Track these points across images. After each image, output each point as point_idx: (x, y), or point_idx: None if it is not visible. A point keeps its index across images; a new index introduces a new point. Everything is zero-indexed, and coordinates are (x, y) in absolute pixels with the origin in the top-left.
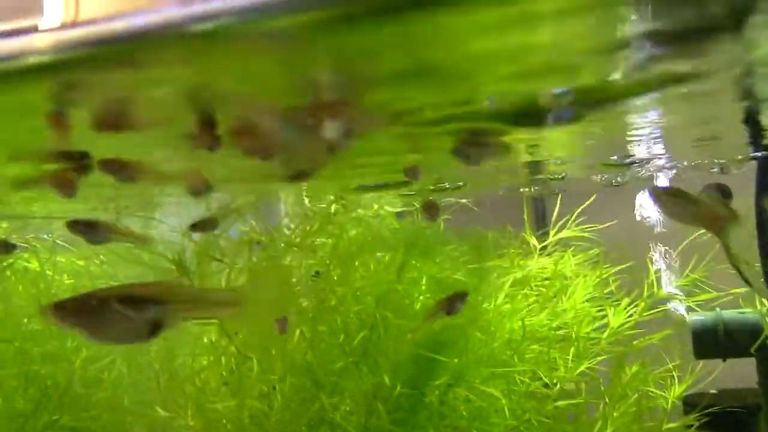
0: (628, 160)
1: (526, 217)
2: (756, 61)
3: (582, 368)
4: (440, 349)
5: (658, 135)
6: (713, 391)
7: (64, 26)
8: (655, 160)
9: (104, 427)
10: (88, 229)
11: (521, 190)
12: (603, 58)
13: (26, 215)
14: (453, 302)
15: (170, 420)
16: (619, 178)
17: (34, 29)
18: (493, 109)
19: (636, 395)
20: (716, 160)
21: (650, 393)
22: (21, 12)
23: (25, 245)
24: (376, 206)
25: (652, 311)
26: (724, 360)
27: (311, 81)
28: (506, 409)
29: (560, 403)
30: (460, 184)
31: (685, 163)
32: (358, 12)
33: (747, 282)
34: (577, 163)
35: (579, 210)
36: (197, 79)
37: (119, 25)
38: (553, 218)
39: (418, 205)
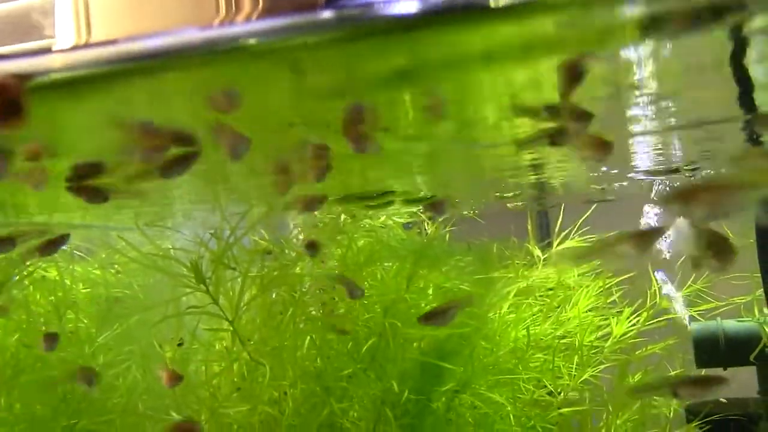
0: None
1: (530, 228)
2: None
3: (585, 376)
4: (446, 357)
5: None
6: (723, 400)
7: (76, 47)
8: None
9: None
10: None
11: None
12: None
13: (46, 223)
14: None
15: None
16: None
17: (47, 50)
18: None
19: (639, 403)
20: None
21: (653, 401)
22: (34, 34)
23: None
24: (383, 216)
25: (654, 320)
26: (725, 369)
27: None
28: (511, 416)
29: (564, 410)
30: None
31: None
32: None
33: None
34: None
35: (581, 221)
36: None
37: (131, 47)
38: (556, 229)
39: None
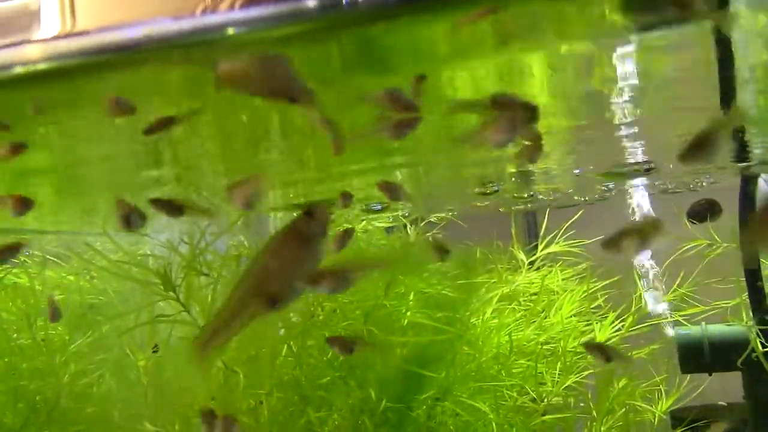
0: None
1: (513, 232)
2: None
3: (569, 383)
4: (427, 364)
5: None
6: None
7: (60, 36)
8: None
9: None
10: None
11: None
12: None
13: (17, 229)
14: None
15: None
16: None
17: (29, 40)
18: None
19: (623, 409)
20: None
21: (638, 407)
22: (19, 23)
23: (15, 260)
24: (364, 221)
25: (639, 326)
26: (710, 374)
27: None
28: (494, 424)
29: (548, 417)
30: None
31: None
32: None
33: None
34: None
35: (567, 224)
36: None
37: (113, 36)
38: (542, 233)
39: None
